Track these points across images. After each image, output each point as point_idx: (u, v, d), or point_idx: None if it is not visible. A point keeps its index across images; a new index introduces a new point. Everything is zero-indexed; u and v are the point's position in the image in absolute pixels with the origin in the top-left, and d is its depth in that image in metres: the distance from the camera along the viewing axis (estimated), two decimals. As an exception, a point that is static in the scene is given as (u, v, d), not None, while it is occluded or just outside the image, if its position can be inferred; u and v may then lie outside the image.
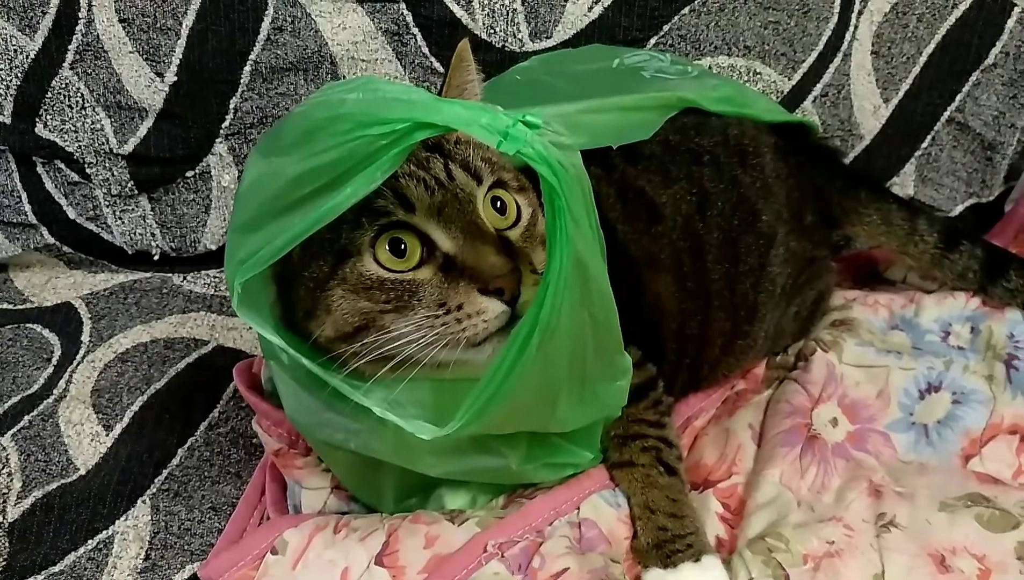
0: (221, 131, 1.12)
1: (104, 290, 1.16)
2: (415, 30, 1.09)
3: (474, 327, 0.63)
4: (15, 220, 1.16)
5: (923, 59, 1.18)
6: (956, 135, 1.22)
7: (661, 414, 0.86)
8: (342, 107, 0.59)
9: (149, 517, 0.89)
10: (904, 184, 1.23)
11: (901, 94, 1.19)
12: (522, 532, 0.77)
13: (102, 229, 1.17)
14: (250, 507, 0.90)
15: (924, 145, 1.22)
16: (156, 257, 1.20)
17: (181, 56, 1.08)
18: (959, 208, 1.26)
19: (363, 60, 1.10)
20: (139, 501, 0.90)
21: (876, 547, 0.77)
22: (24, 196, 1.15)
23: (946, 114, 1.20)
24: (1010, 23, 1.16)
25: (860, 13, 1.15)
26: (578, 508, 0.81)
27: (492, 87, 1.01)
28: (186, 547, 0.87)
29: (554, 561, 0.74)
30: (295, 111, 0.65)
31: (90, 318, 1.12)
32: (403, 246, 0.64)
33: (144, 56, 1.07)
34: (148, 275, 1.19)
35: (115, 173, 1.13)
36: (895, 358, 0.98)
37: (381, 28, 1.09)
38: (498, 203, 0.68)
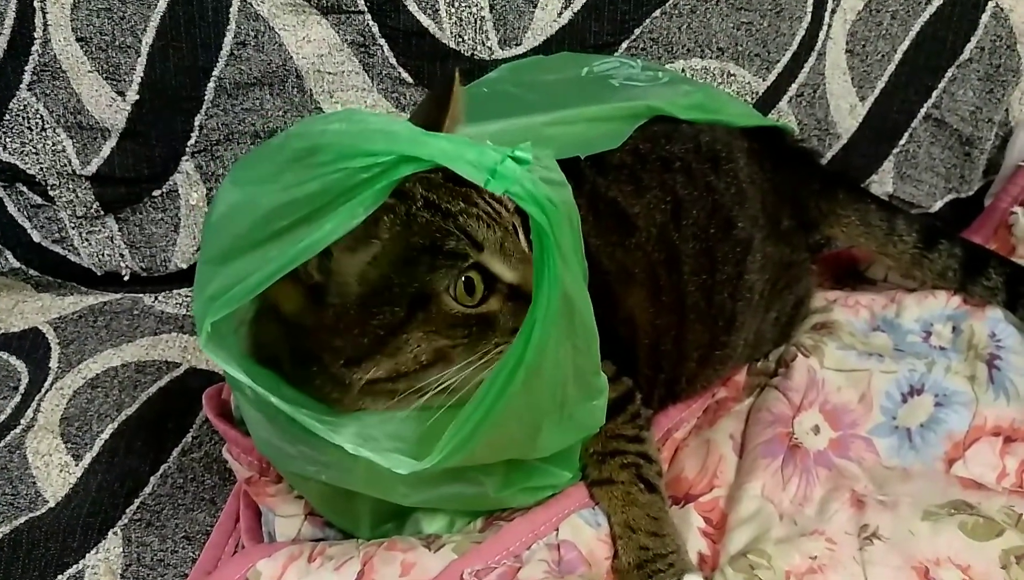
0: (187, 149, 1.10)
1: (73, 314, 1.14)
2: (381, 41, 1.07)
3: None
4: (-21, 245, 1.14)
5: (898, 56, 1.17)
6: (933, 131, 1.21)
7: (640, 428, 0.85)
8: (323, 137, 0.58)
9: (121, 549, 0.87)
10: (883, 182, 1.22)
11: (877, 92, 1.18)
12: (499, 557, 0.75)
13: (69, 251, 1.15)
14: (224, 535, 0.88)
15: (902, 142, 1.21)
16: (126, 278, 1.18)
17: (142, 74, 1.06)
18: (939, 204, 1.25)
19: (330, 73, 1.08)
20: (110, 533, 0.88)
21: (859, 560, 0.76)
22: (-13, 220, 1.13)
23: (923, 111, 1.20)
24: (984, 17, 1.15)
25: (833, 12, 1.14)
26: (557, 529, 0.79)
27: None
28: (159, 578, 0.85)
29: None
30: (272, 141, 0.63)
31: (58, 343, 1.09)
32: (473, 283, 0.65)
33: (104, 75, 1.05)
34: (118, 296, 1.17)
35: (79, 195, 1.11)
36: (877, 361, 0.98)
37: (347, 40, 1.07)
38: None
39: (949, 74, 1.18)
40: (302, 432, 0.65)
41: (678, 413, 0.96)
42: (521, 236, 0.68)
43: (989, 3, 1.15)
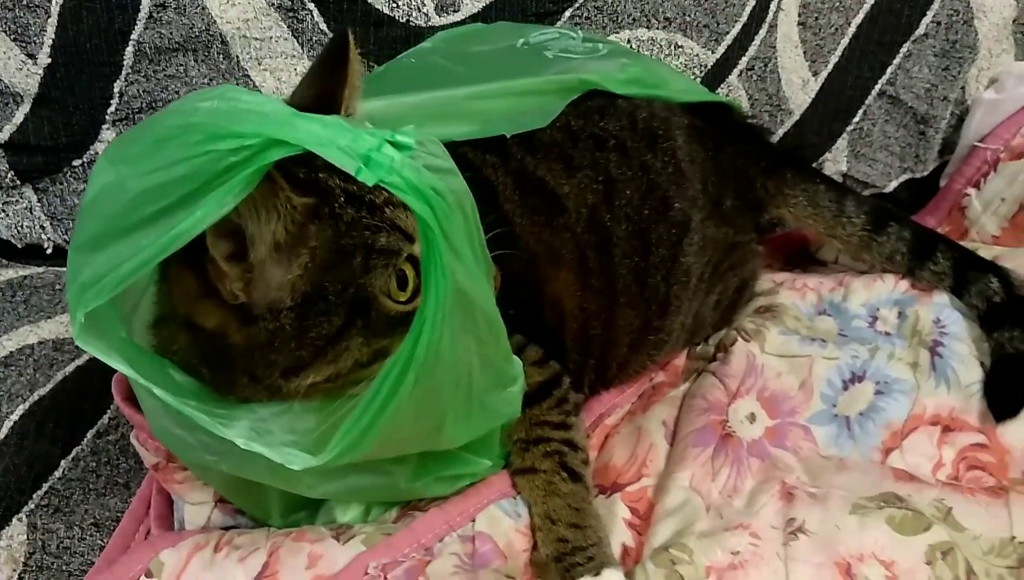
0: (107, 117, 1.05)
1: (-10, 288, 1.10)
2: (311, 5, 1.03)
3: None
4: None
5: (852, 30, 1.14)
6: (888, 109, 1.19)
7: (567, 414, 0.83)
8: (194, 116, 0.54)
9: (25, 536, 0.84)
10: (837, 160, 1.20)
11: (830, 67, 1.15)
12: (408, 551, 0.73)
13: (-15, 223, 1.10)
14: (136, 521, 0.85)
15: (856, 120, 1.19)
16: (49, 251, 1.13)
17: (54, 36, 1.00)
18: (893, 184, 1.23)
19: (256, 38, 1.04)
20: (15, 519, 0.85)
21: (782, 556, 0.74)
22: None
23: (877, 87, 1.17)
24: None
25: None
26: (473, 520, 0.77)
27: (386, 72, 0.96)
28: (64, 567, 0.83)
29: None
30: (154, 116, 0.59)
31: None
32: (406, 276, 0.62)
33: (12, 36, 1.00)
34: (41, 270, 1.12)
35: (-7, 163, 1.06)
36: (819, 347, 0.96)
37: (273, 4, 1.02)
38: None
39: (904, 49, 1.16)
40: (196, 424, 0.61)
41: (611, 398, 0.94)
42: None
43: None
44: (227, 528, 0.80)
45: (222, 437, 0.62)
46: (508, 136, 0.82)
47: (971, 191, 1.16)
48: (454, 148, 0.80)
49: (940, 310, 0.98)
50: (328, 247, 0.60)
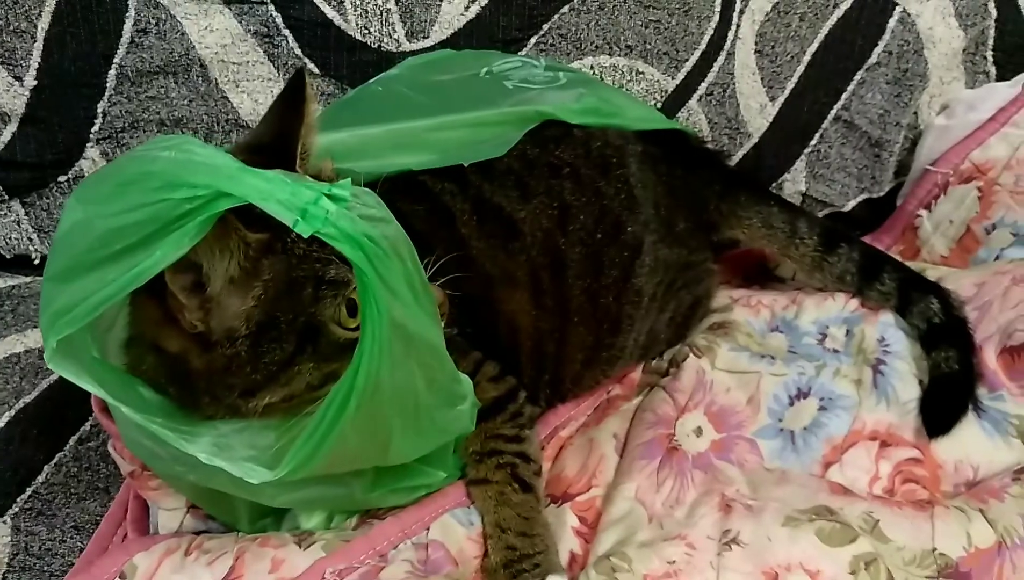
0: (91, 135, 1.10)
1: (-22, 298, 1.14)
2: (286, 32, 1.08)
3: None
4: None
5: (807, 58, 1.19)
6: (844, 133, 1.24)
7: (520, 427, 0.87)
8: (154, 165, 0.59)
9: (9, 538, 0.88)
10: (796, 181, 1.25)
11: (787, 92, 1.20)
12: (364, 557, 0.77)
13: (-26, 236, 1.15)
14: (114, 525, 0.89)
15: (813, 143, 1.23)
16: (36, 262, 1.17)
17: (40, 60, 1.05)
18: (852, 203, 1.28)
19: (234, 63, 1.08)
20: None
21: (715, 566, 0.78)
22: None
23: (832, 112, 1.22)
24: (892, 23, 1.17)
25: (742, 12, 1.15)
26: (428, 528, 0.81)
27: (355, 98, 1.00)
28: (45, 568, 0.87)
29: None
30: (118, 159, 0.65)
31: None
32: (355, 304, 0.65)
33: (0, 60, 1.04)
34: (28, 280, 1.16)
35: (-19, 180, 1.11)
36: (768, 363, 1.00)
37: (250, 30, 1.07)
38: None
39: (858, 77, 1.20)
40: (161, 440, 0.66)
41: (567, 410, 0.98)
42: None
43: (896, 8, 1.17)
44: (198, 533, 0.84)
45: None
46: (466, 165, 0.86)
47: (923, 212, 1.21)
48: (414, 177, 0.86)
49: (885, 329, 1.02)
50: (281, 279, 0.64)
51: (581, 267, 0.91)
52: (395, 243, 0.59)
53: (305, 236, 0.54)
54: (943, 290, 1.02)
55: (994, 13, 1.21)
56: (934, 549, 0.80)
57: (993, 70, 1.25)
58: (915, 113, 1.24)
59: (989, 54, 1.23)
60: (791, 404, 0.96)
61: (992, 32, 1.22)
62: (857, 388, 0.97)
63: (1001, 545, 0.80)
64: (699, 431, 0.94)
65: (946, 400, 0.93)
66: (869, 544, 0.80)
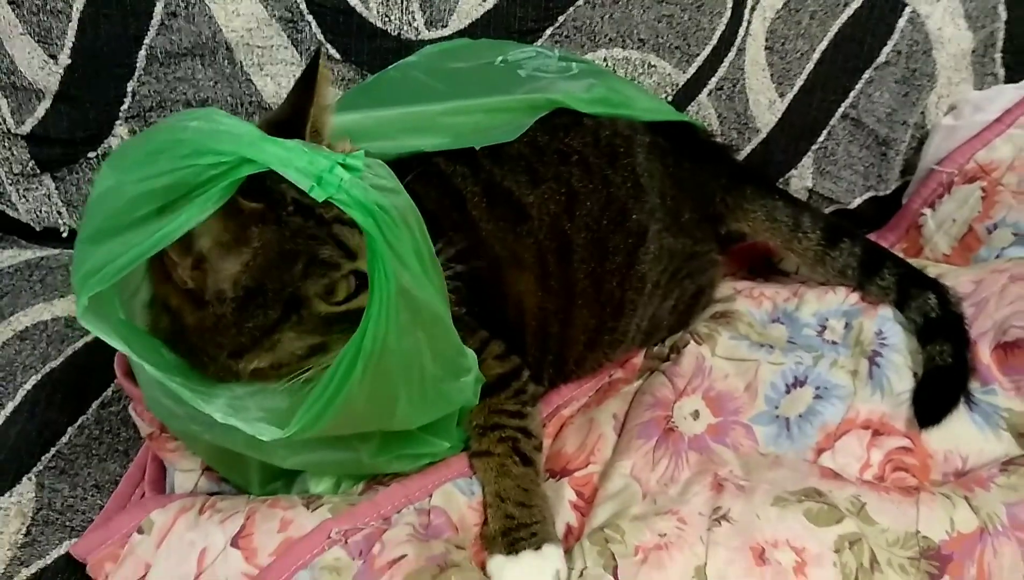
0: (120, 114, 1.14)
1: (9, 267, 1.18)
2: (309, 17, 1.11)
3: None
4: (-82, 200, 1.19)
5: (816, 56, 1.21)
6: (851, 130, 1.25)
7: (523, 404, 0.90)
8: (183, 133, 0.62)
9: (33, 494, 0.92)
10: (803, 177, 1.27)
11: (796, 89, 1.22)
12: (368, 519, 0.81)
13: (7, 206, 1.20)
14: (132, 485, 0.94)
15: (820, 139, 1.25)
16: (64, 234, 1.22)
17: (74, 39, 1.09)
18: (857, 200, 1.30)
19: (259, 46, 1.12)
20: (24, 478, 0.93)
21: (704, 540, 0.82)
22: (-74, 176, 1.18)
23: (840, 110, 1.24)
24: (901, 22, 1.19)
25: (753, 9, 1.17)
26: (431, 495, 0.85)
27: (373, 83, 1.04)
28: (67, 523, 0.90)
29: (393, 548, 0.78)
30: (148, 129, 0.68)
31: None
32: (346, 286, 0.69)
33: (36, 38, 1.09)
34: (56, 252, 1.21)
35: (15, 153, 1.15)
36: (766, 352, 1.03)
37: (275, 15, 1.10)
38: None
39: (866, 76, 1.22)
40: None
41: (569, 391, 1.02)
42: None
43: (906, 8, 1.18)
44: (212, 494, 0.88)
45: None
46: (477, 149, 0.90)
47: (927, 211, 1.23)
48: (427, 159, 0.90)
49: (883, 323, 1.04)
50: (272, 249, 0.68)
51: (586, 252, 0.95)
52: (404, 213, 0.63)
53: (319, 201, 0.57)
54: (941, 286, 1.04)
55: (1004, 15, 1.22)
56: (917, 532, 0.83)
57: (1002, 72, 1.25)
58: (923, 113, 1.25)
59: (998, 56, 1.24)
60: (787, 392, 0.99)
61: (1002, 34, 1.23)
62: (853, 378, 1.00)
63: (983, 531, 0.82)
64: (696, 414, 0.97)
65: (938, 392, 0.95)
66: (855, 525, 0.83)
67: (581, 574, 0.80)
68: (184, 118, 0.64)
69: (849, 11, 1.18)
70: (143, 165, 0.62)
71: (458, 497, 0.86)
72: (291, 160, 0.57)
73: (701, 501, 0.86)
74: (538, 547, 0.80)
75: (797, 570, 0.79)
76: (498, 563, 0.80)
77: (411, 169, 0.86)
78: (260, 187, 0.65)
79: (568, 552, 0.82)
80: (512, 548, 0.80)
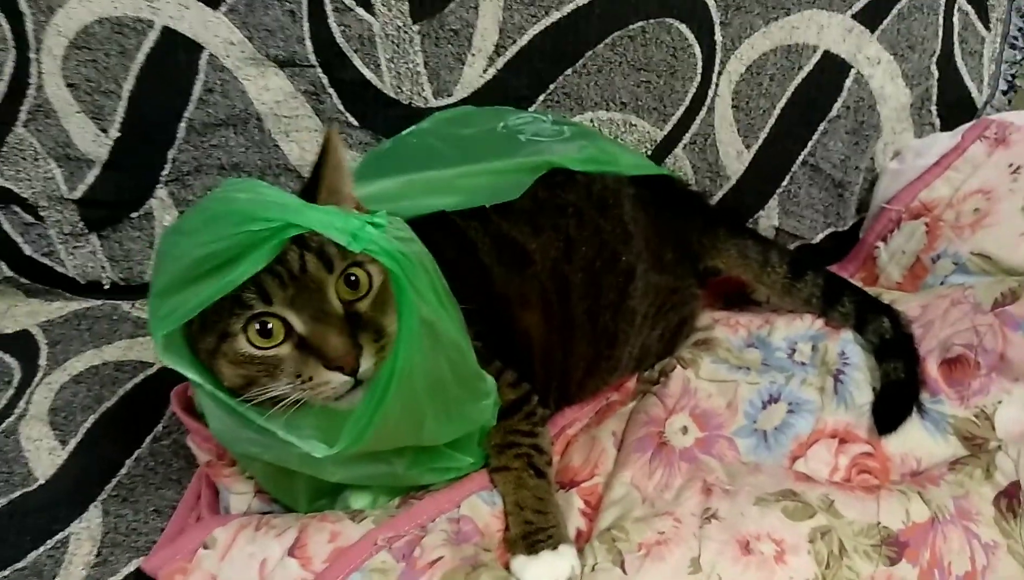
0: (161, 178, 1.24)
1: (59, 317, 1.28)
2: (331, 90, 1.22)
3: (324, 392, 0.76)
4: (-24, 256, 1.28)
5: (777, 112, 1.31)
6: (811, 175, 1.35)
7: (534, 424, 0.97)
8: (235, 204, 0.72)
9: (100, 519, 0.99)
10: (770, 216, 1.37)
11: (760, 141, 1.32)
12: (408, 528, 0.90)
13: (56, 263, 1.29)
14: (188, 509, 1.01)
15: (784, 184, 1.35)
16: (107, 287, 1.31)
17: (123, 114, 1.19)
18: (819, 236, 1.39)
19: (286, 116, 1.22)
20: (91, 506, 1.00)
21: (697, 536, 0.90)
22: (-16, 235, 1.28)
23: (800, 157, 1.33)
24: (848, 82, 1.30)
25: (720, 74, 1.28)
26: (459, 506, 0.94)
27: (393, 148, 1.17)
28: (132, 544, 0.97)
29: (431, 551, 0.87)
30: (203, 201, 0.78)
31: (47, 343, 1.23)
32: (269, 327, 0.75)
33: (90, 115, 1.19)
34: (99, 303, 1.30)
35: (66, 215, 1.25)
36: (744, 374, 1.11)
37: (300, 89, 1.22)
38: (352, 277, 0.78)
39: (821, 128, 1.31)
40: (246, 420, 0.79)
41: (573, 413, 1.10)
42: (332, 295, 0.77)
43: (852, 70, 1.29)
44: (264, 513, 0.96)
45: (266, 431, 0.77)
46: (488, 206, 1.01)
47: (880, 244, 1.31)
48: (446, 216, 1.02)
49: (845, 344, 1.12)
50: None
51: (583, 290, 1.02)
52: (421, 257, 0.74)
53: (357, 252, 0.68)
54: (894, 311, 1.12)
55: (936, 74, 1.33)
56: (878, 523, 0.90)
57: (938, 122, 1.36)
58: (872, 158, 1.35)
59: (934, 108, 1.35)
60: (764, 408, 1.07)
61: (935, 90, 1.34)
62: (820, 394, 1.07)
63: (934, 520, 0.91)
64: (685, 430, 1.05)
65: (894, 404, 1.04)
66: (825, 519, 0.90)
67: (593, 568, 0.88)
68: (232, 189, 0.75)
69: (803, 73, 1.28)
70: (202, 231, 0.72)
71: (482, 507, 0.93)
72: (331, 222, 0.68)
73: (693, 503, 0.94)
74: (555, 547, 0.87)
75: (777, 558, 0.86)
76: (521, 562, 0.88)
77: (433, 224, 0.97)
78: None
79: (580, 552, 0.89)
80: (532, 549, 0.88)
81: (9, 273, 1.30)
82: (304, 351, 0.76)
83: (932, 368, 1.06)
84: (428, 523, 0.92)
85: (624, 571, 0.88)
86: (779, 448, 1.04)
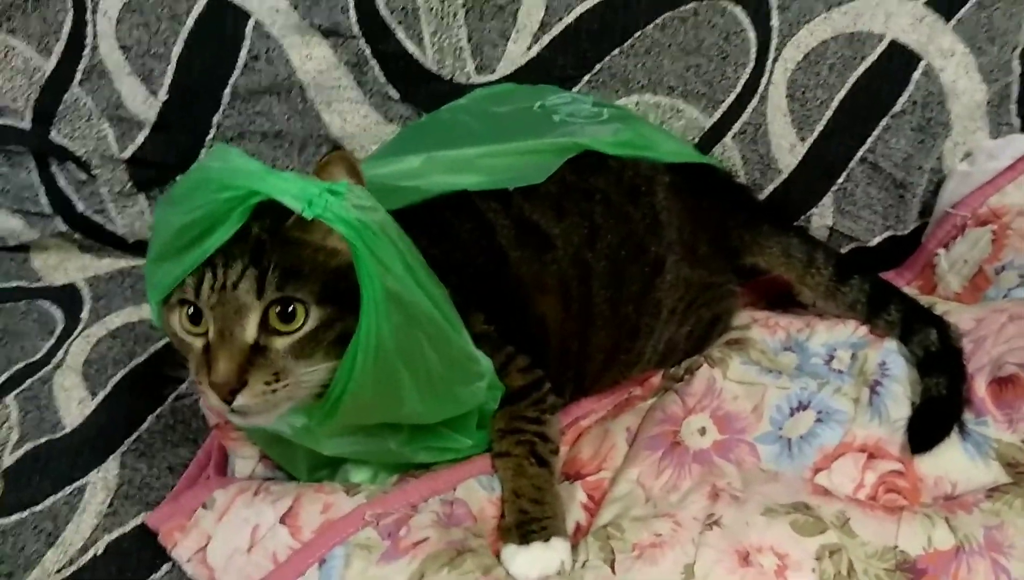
0: (206, 142, 1.28)
1: (106, 274, 1.34)
2: (373, 62, 1.23)
3: (210, 400, 0.77)
4: (34, 210, 1.35)
5: (835, 104, 1.25)
6: (870, 173, 1.29)
7: (542, 411, 0.96)
8: (210, 172, 0.74)
9: (117, 471, 1.02)
10: (823, 215, 1.31)
11: (816, 134, 1.26)
12: (399, 506, 0.90)
13: (107, 221, 1.35)
14: (199, 469, 1.04)
15: (840, 181, 1.29)
16: (154, 246, 1.37)
17: (172, 78, 1.24)
18: (877, 239, 1.33)
19: (328, 87, 1.24)
20: (110, 458, 1.03)
21: (695, 542, 0.87)
22: (42, 190, 1.34)
23: (859, 154, 1.27)
24: (916, 75, 1.23)
25: (775, 60, 1.23)
26: (454, 489, 0.93)
27: (427, 122, 1.17)
28: (144, 499, 1.00)
29: (418, 532, 0.87)
30: (191, 169, 0.81)
31: (91, 298, 1.29)
32: (200, 316, 0.77)
33: (140, 77, 1.24)
34: (144, 262, 1.35)
35: (117, 174, 1.30)
36: (775, 378, 1.07)
37: (343, 60, 1.23)
38: (291, 309, 0.76)
39: (883, 123, 1.25)
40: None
41: (589, 404, 1.09)
42: (250, 321, 0.75)
43: (921, 62, 1.23)
44: (266, 479, 0.98)
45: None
46: (511, 189, 0.99)
47: (940, 251, 1.25)
48: (465, 195, 1.00)
49: (887, 354, 1.07)
50: None
51: (606, 280, 1.01)
52: (384, 226, 0.73)
53: (309, 218, 0.68)
54: (943, 323, 1.06)
55: (1018, 69, 1.25)
56: (895, 546, 0.85)
57: (1017, 122, 1.27)
58: (939, 158, 1.27)
59: (1013, 107, 1.27)
60: (791, 415, 1.03)
61: (1016, 87, 1.26)
62: (854, 405, 1.02)
63: (960, 549, 0.85)
64: (703, 431, 1.02)
65: (932, 421, 0.98)
66: (836, 537, 0.85)
67: (583, 565, 0.86)
68: (211, 158, 0.77)
69: (866, 63, 1.22)
70: (184, 200, 0.75)
71: (479, 491, 0.93)
72: (288, 189, 0.68)
73: (697, 507, 0.91)
74: (547, 539, 0.86)
75: (778, 573, 0.82)
76: (510, 551, 0.87)
77: (448, 204, 0.97)
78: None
79: (575, 547, 0.88)
80: (524, 539, 0.87)
81: (64, 228, 1.37)
82: (206, 354, 0.77)
83: (980, 387, 1.00)
84: (420, 503, 0.92)
85: (613, 571, 0.86)
86: (802, 458, 1.00)
